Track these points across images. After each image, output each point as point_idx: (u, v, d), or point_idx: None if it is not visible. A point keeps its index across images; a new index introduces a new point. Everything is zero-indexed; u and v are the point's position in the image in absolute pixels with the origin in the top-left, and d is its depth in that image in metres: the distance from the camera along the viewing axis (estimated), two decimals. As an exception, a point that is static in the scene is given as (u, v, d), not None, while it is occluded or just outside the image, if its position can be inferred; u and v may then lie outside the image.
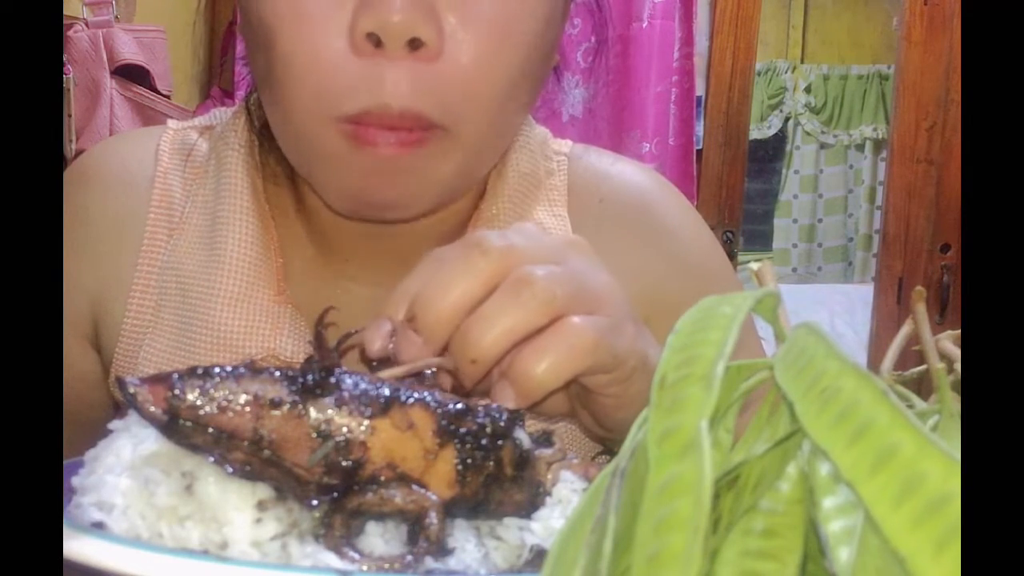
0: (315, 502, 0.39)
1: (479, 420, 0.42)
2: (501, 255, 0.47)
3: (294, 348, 0.64)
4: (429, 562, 0.39)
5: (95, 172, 0.71)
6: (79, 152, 1.49)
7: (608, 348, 0.48)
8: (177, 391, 0.39)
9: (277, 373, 0.40)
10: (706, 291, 0.66)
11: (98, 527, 0.38)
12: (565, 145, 0.77)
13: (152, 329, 0.66)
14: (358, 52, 0.55)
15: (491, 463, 0.41)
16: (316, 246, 0.69)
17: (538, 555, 0.41)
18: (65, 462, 0.43)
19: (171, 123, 0.74)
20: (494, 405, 0.43)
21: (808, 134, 4.40)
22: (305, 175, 0.64)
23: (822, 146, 4.43)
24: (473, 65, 0.57)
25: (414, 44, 0.55)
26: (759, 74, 4.10)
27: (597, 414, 0.53)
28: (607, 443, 0.60)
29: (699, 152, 2.22)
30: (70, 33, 1.57)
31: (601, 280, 0.51)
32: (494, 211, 0.69)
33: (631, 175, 0.76)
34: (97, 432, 0.43)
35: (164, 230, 0.68)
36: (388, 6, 0.54)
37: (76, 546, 0.36)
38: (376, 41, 0.54)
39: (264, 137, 0.70)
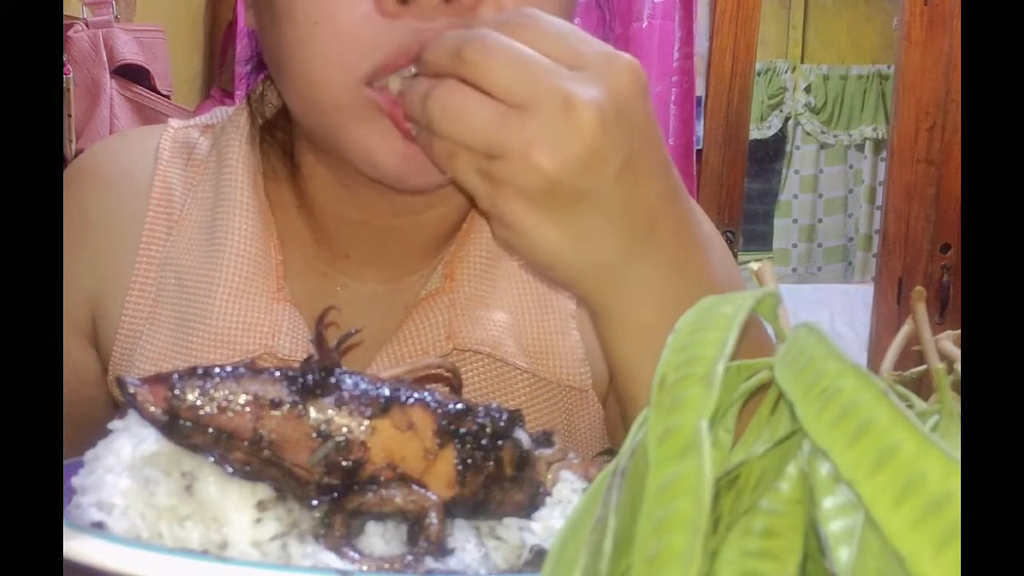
0: (315, 502, 0.39)
1: (479, 420, 0.42)
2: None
3: (292, 346, 0.64)
4: (429, 562, 0.39)
5: (94, 171, 0.72)
6: (79, 152, 1.48)
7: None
8: (177, 391, 0.39)
9: (277, 373, 0.40)
10: None
11: (98, 527, 0.38)
12: None
13: (149, 325, 0.66)
14: (384, 12, 0.54)
15: (491, 463, 0.42)
16: (316, 243, 0.69)
17: (538, 555, 0.41)
18: (65, 462, 0.43)
19: (172, 122, 0.74)
20: (494, 405, 0.43)
21: (808, 134, 4.40)
22: (339, 147, 0.61)
23: (822, 146, 4.42)
24: None
25: (446, 2, 0.53)
26: (759, 74, 4.10)
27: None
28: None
29: (699, 152, 2.21)
30: (70, 33, 1.57)
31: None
32: None
33: None
34: (97, 431, 0.43)
35: (163, 227, 0.68)
36: None
37: (76, 546, 0.36)
38: (404, 2, 0.53)
39: (266, 133, 0.70)
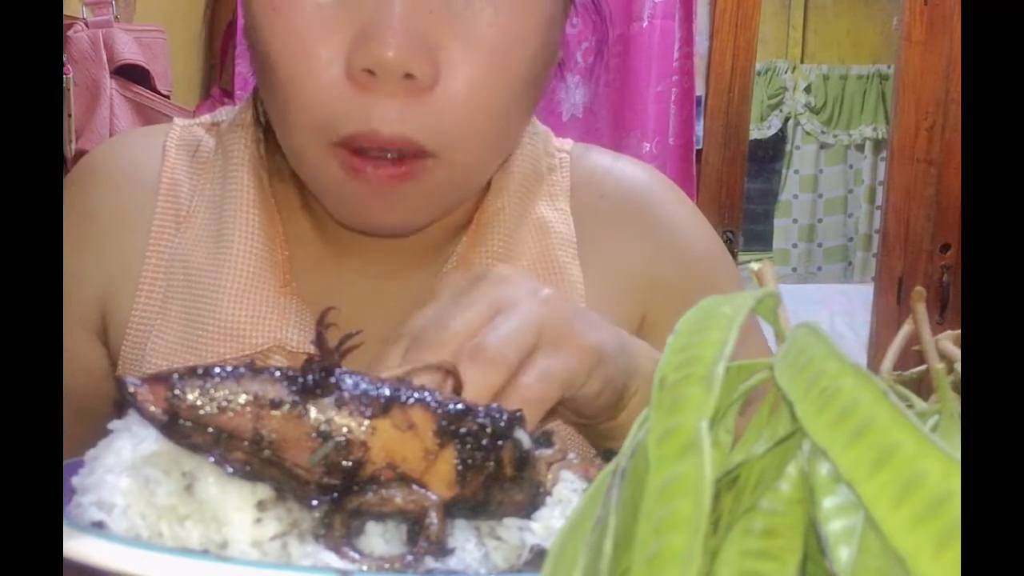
0: (315, 502, 0.39)
1: (479, 420, 0.42)
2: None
3: (299, 339, 0.65)
4: (429, 562, 0.39)
5: (102, 169, 0.73)
6: (79, 152, 1.48)
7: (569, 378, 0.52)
8: (177, 391, 0.39)
9: (277, 373, 0.40)
10: (706, 282, 0.68)
11: (98, 527, 0.38)
12: (567, 143, 0.78)
13: (160, 320, 0.67)
14: (354, 84, 0.56)
15: (491, 463, 0.41)
16: (321, 240, 0.70)
17: (538, 555, 0.41)
18: (65, 462, 0.43)
19: (177, 120, 0.76)
20: (494, 405, 0.43)
21: (808, 134, 4.40)
22: (311, 188, 0.66)
23: (822, 146, 4.42)
24: (467, 96, 0.58)
25: (408, 78, 0.56)
26: (759, 74, 4.09)
27: (577, 408, 0.56)
28: (600, 441, 0.61)
29: (699, 152, 2.21)
30: (70, 33, 1.56)
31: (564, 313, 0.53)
32: (499, 205, 0.70)
33: (632, 172, 0.77)
34: (104, 425, 0.43)
35: (171, 223, 0.69)
36: (383, 43, 0.55)
37: (76, 546, 0.36)
38: (372, 74, 0.56)
39: (270, 132, 0.71)
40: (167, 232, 0.69)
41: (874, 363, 2.17)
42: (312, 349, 0.64)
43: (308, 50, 0.57)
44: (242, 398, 0.39)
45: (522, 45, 0.59)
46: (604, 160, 0.78)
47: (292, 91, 0.58)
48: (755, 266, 0.36)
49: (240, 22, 1.89)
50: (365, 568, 0.37)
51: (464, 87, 0.57)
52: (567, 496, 0.44)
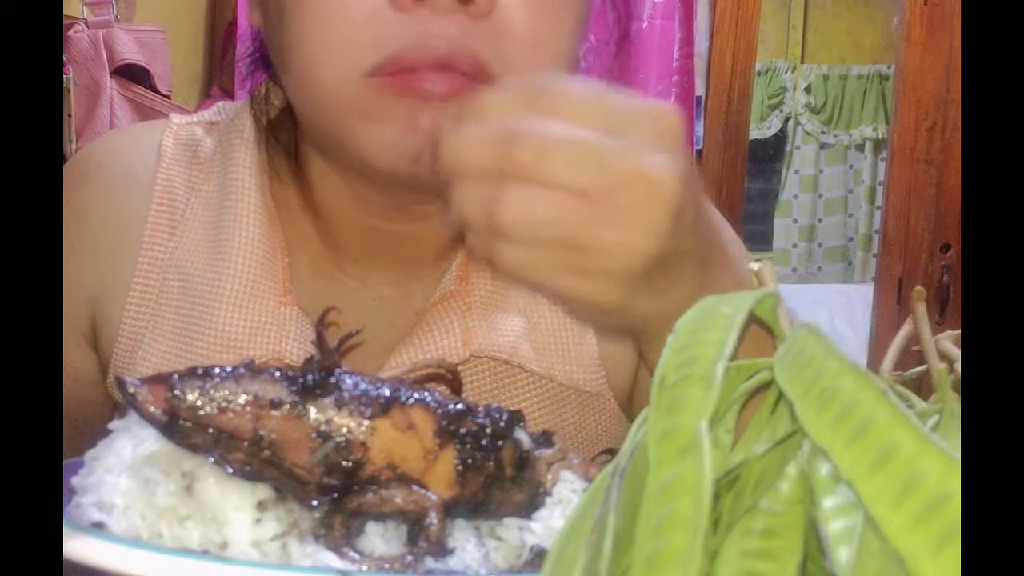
0: (315, 502, 0.39)
1: (479, 420, 0.42)
2: None
3: (299, 351, 0.62)
4: (429, 562, 0.39)
5: (96, 167, 0.70)
6: (79, 152, 1.48)
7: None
8: (177, 391, 0.39)
9: (277, 373, 0.40)
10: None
11: (98, 527, 0.38)
12: None
13: (152, 328, 0.65)
14: (397, 6, 0.53)
15: (491, 463, 0.42)
16: (323, 245, 0.68)
17: (538, 555, 0.41)
18: (65, 462, 0.43)
19: (174, 118, 0.73)
20: (494, 406, 0.43)
21: (808, 134, 4.40)
22: (342, 140, 0.59)
23: (822, 146, 4.42)
24: (526, 25, 0.55)
25: (464, 2, 0.53)
26: (759, 74, 4.09)
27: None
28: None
29: (699, 152, 2.21)
30: (70, 33, 1.57)
31: None
32: None
33: None
34: (94, 432, 0.43)
35: (166, 227, 0.67)
36: None
37: (76, 546, 0.36)
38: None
39: (271, 134, 0.69)
40: (161, 236, 0.67)
41: (874, 363, 2.16)
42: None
43: None
44: (242, 398, 0.39)
45: None
46: None
47: (324, 22, 0.54)
48: (755, 266, 0.36)
49: (241, 21, 1.89)
50: (365, 568, 0.37)
51: (522, 17, 0.55)
52: (567, 496, 0.44)
